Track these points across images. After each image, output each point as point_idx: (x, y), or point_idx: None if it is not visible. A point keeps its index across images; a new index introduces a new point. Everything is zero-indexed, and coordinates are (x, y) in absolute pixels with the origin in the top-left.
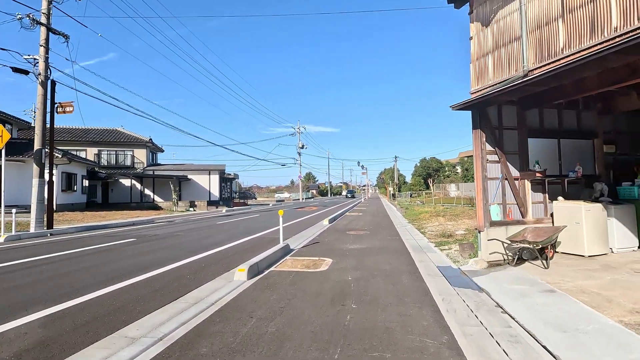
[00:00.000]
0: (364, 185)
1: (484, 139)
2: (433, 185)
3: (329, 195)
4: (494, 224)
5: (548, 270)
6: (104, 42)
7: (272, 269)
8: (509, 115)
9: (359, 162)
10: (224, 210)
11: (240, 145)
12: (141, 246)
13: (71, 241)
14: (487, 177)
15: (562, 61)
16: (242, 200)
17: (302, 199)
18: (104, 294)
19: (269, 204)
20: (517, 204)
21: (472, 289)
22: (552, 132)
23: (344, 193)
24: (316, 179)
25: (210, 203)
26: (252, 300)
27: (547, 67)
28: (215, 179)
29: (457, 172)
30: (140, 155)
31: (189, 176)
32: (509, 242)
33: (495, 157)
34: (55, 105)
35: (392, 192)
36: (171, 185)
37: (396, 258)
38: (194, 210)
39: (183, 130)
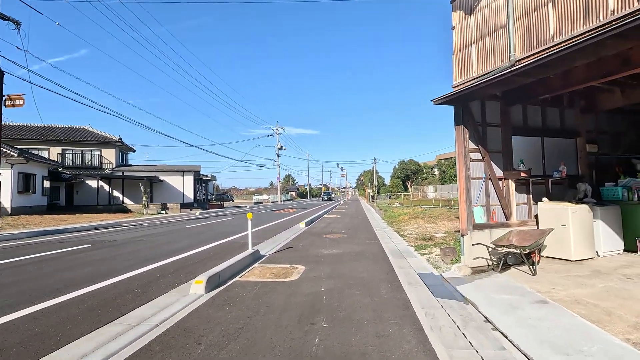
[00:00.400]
0: (344, 188)
1: (467, 136)
2: (411, 187)
3: (308, 197)
4: (477, 227)
5: (536, 277)
6: (77, 40)
7: (236, 279)
8: (493, 112)
9: (338, 164)
10: (197, 213)
11: (217, 146)
12: (93, 254)
13: (14, 249)
14: (470, 177)
15: (552, 49)
16: (219, 203)
17: (281, 201)
18: (24, 315)
19: (245, 206)
20: (501, 205)
21: (457, 300)
22: (536, 130)
23: (324, 197)
24: (296, 181)
25: (184, 205)
26: (206, 319)
27: (536, 55)
28: (189, 180)
29: (435, 175)
30: (109, 155)
31: (161, 177)
32: (494, 247)
33: (478, 156)
34: (4, 98)
35: (371, 194)
36: (141, 187)
37: (374, 264)
38: (166, 213)
39: (154, 129)
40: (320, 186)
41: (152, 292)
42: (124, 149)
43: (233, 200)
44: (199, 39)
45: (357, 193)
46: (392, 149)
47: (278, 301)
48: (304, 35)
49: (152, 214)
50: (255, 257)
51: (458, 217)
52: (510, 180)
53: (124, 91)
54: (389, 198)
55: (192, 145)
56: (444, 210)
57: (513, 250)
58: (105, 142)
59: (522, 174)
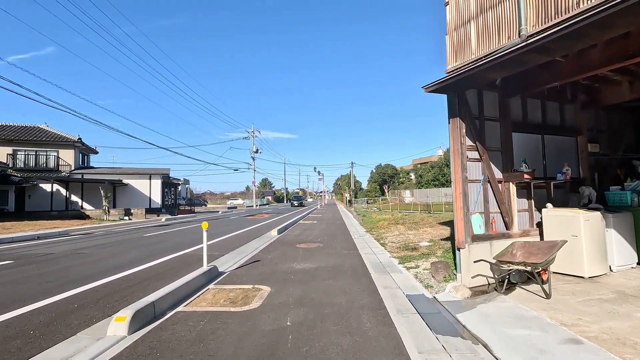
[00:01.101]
0: (321, 192)
1: (464, 131)
2: (388, 191)
3: (284, 201)
4: (476, 238)
5: (551, 302)
6: (42, 38)
7: (180, 308)
8: (490, 104)
9: (315, 168)
10: (163, 219)
11: (188, 148)
12: (7, 274)
13: None
14: (467, 179)
15: (577, 17)
16: (190, 208)
17: (256, 205)
18: None
19: (218, 212)
20: (501, 212)
21: (462, 338)
22: (536, 126)
23: (294, 202)
24: (272, 185)
25: (151, 211)
26: None
27: (556, 27)
28: (156, 184)
29: (411, 179)
30: (67, 156)
31: (126, 181)
32: (498, 264)
33: (475, 154)
34: None
35: (348, 198)
36: (101, 191)
37: (354, 283)
38: (129, 219)
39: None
40: (298, 190)
41: (55, 333)
42: (84, 150)
43: (206, 205)
44: (172, 41)
45: (334, 197)
46: (370, 153)
47: (226, 345)
48: (282, 34)
49: (114, 221)
50: (212, 275)
51: (441, 223)
52: (511, 184)
53: (94, 92)
54: (367, 202)
55: (159, 147)
56: (424, 216)
57: (522, 267)
58: (63, 143)
59: (526, 176)
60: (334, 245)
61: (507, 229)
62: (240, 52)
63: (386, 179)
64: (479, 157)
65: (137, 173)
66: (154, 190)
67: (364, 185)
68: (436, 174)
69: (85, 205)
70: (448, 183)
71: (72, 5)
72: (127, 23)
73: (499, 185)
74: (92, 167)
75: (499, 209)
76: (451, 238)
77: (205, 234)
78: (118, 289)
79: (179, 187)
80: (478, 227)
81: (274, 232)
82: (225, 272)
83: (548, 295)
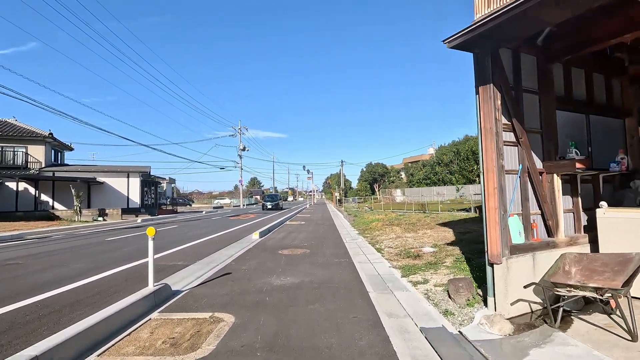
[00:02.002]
0: (311, 191)
1: (499, 102)
2: (379, 190)
3: None
4: (515, 249)
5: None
6: (25, 34)
7: (92, 357)
8: (528, 71)
9: (304, 167)
10: (139, 220)
11: (172, 145)
12: None
13: None
14: (504, 169)
15: None
16: (173, 208)
17: (243, 205)
18: None
19: (202, 212)
20: (543, 213)
21: None
22: (580, 103)
23: (266, 204)
24: (261, 184)
25: (128, 211)
26: None
27: None
28: (135, 182)
29: (402, 178)
30: (37, 153)
31: (102, 179)
32: (552, 287)
33: (510, 137)
34: None
35: (338, 197)
36: (72, 190)
37: (348, 308)
38: (104, 220)
39: (87, 123)
40: (287, 189)
41: None
42: (57, 147)
43: (191, 205)
44: (162, 40)
45: (324, 197)
46: (360, 152)
47: None
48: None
49: (85, 222)
50: (160, 298)
51: (441, 225)
52: (555, 176)
53: (79, 90)
54: (357, 202)
55: (138, 144)
56: (420, 216)
57: (591, 294)
58: (32, 138)
59: (579, 165)
60: (323, 251)
61: (550, 236)
62: (230, 51)
63: (377, 178)
64: (515, 141)
65: (114, 171)
66: (132, 189)
67: (354, 184)
68: (428, 173)
69: (57, 205)
70: (440, 182)
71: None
72: (111, 18)
73: (541, 177)
74: (67, 165)
75: (541, 209)
76: (459, 244)
77: (151, 244)
78: (17, 322)
79: (164, 186)
80: (517, 235)
81: (255, 235)
82: (181, 292)
83: (633, 335)
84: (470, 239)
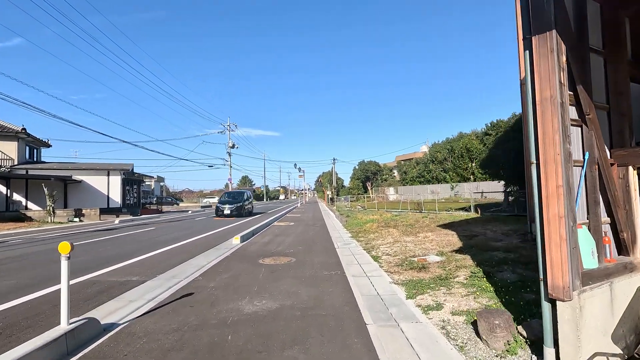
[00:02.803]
0: (302, 189)
1: (564, 59)
2: (372, 188)
3: (264, 199)
4: (587, 277)
5: None
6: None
7: None
8: (592, 25)
9: (295, 164)
10: (117, 221)
11: (158, 142)
12: None
13: None
14: (571, 158)
15: None
16: (157, 207)
17: None
18: None
19: (188, 211)
20: (616, 222)
21: None
22: None
23: (222, 207)
24: (253, 183)
25: (109, 211)
26: None
27: None
28: (116, 180)
29: (394, 176)
30: (9, 149)
31: (79, 177)
32: None
33: (572, 113)
34: None
35: (330, 196)
36: (44, 189)
37: (339, 353)
38: (80, 220)
39: (62, 118)
40: (279, 188)
41: None
42: (32, 143)
43: (178, 204)
44: (149, 35)
45: (316, 195)
46: (352, 149)
47: None
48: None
49: (59, 223)
50: (78, 340)
51: (442, 227)
52: (630, 169)
53: (68, 87)
54: (349, 200)
55: (122, 141)
56: (418, 216)
57: None
58: (4, 133)
59: None
60: (311, 259)
61: (624, 254)
62: (222, 50)
63: (369, 176)
64: (578, 119)
65: (92, 169)
66: (112, 188)
67: (346, 183)
68: (421, 171)
69: (31, 205)
70: (434, 180)
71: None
72: (96, 14)
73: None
74: (43, 162)
75: (612, 216)
76: (469, 251)
77: (65, 266)
78: None
79: (152, 185)
80: (589, 255)
81: (235, 240)
82: (117, 326)
83: None
84: (479, 245)
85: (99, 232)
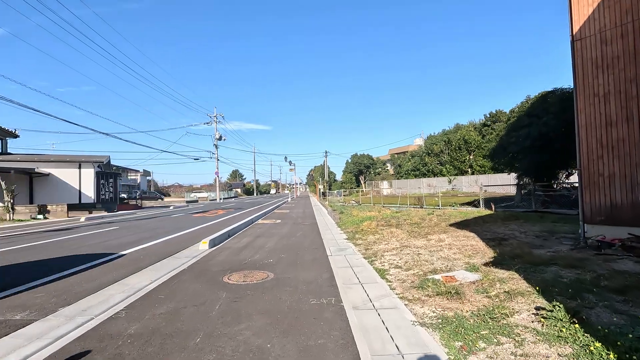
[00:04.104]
0: (294, 184)
1: None
2: (365, 182)
3: (254, 194)
4: None
5: None
6: None
7: None
8: None
9: (286, 157)
10: (82, 219)
11: (139, 134)
12: None
13: None
14: None
15: None
16: (137, 202)
17: (220, 199)
18: None
19: (170, 207)
20: None
21: None
22: None
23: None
24: (243, 177)
25: (80, 207)
26: None
27: None
28: (88, 173)
29: (388, 170)
30: None
31: (47, 170)
32: None
33: None
34: None
35: (322, 190)
36: (2, 183)
37: None
38: (44, 218)
39: (38, 110)
40: (270, 182)
41: None
42: None
43: (163, 199)
44: (137, 27)
45: (308, 189)
46: (345, 142)
47: None
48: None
49: (19, 221)
50: None
51: (455, 225)
52: None
53: (54, 79)
54: (342, 195)
55: (97, 132)
56: (421, 213)
57: None
58: None
59: None
60: (295, 275)
61: None
62: (212, 41)
63: (362, 170)
64: None
65: (62, 160)
66: (85, 182)
67: (339, 177)
68: (416, 164)
69: None
70: (429, 173)
71: None
72: (79, 4)
73: None
74: (9, 154)
75: None
76: (509, 264)
77: None
78: None
79: (137, 179)
80: None
81: (203, 245)
82: None
83: None
84: (519, 254)
85: (47, 234)
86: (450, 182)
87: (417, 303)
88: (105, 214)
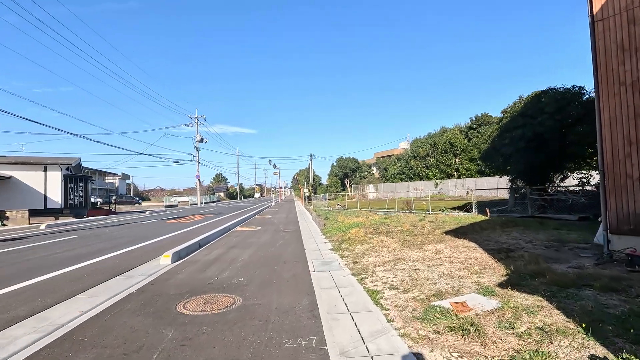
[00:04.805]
0: (279, 187)
1: None
2: (350, 186)
3: (238, 198)
4: None
5: None
6: None
7: None
8: None
9: (270, 160)
10: (42, 226)
11: (114, 135)
12: None
13: None
14: None
15: None
16: (110, 207)
17: (202, 203)
18: None
19: (146, 212)
20: None
21: None
22: None
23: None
24: (227, 181)
25: (45, 212)
26: None
27: None
28: (55, 177)
29: (373, 173)
30: None
31: (7, 172)
32: None
33: None
34: None
35: (307, 194)
36: None
37: None
38: (3, 224)
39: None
40: (255, 186)
41: None
42: None
43: (140, 203)
44: (125, 27)
45: (293, 193)
46: (330, 146)
47: None
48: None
49: None
50: None
51: (451, 233)
52: None
53: (31, 80)
54: (327, 199)
55: (65, 132)
56: (412, 218)
57: None
58: None
59: None
60: (267, 301)
61: None
62: (201, 41)
63: (348, 173)
64: None
65: (25, 163)
66: (51, 186)
67: (324, 180)
68: (402, 167)
69: None
70: (415, 177)
71: None
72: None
73: None
74: None
75: None
76: (525, 283)
77: None
78: None
79: (116, 183)
80: None
81: (164, 259)
82: None
83: None
84: (537, 271)
85: None
86: (436, 185)
87: (425, 344)
88: (73, 220)
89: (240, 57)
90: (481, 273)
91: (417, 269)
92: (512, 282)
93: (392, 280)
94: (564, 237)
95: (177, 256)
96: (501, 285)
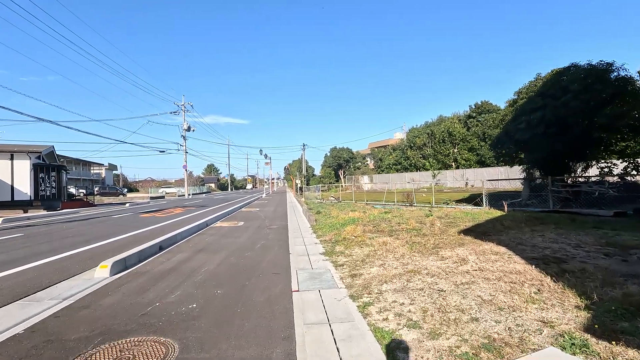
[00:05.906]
0: (271, 178)
1: None
2: (344, 177)
3: (229, 189)
4: None
5: None
6: None
7: None
8: None
9: (261, 151)
10: (0, 220)
11: (94, 122)
12: None
13: None
14: None
15: None
16: (88, 199)
17: (189, 194)
18: None
19: (126, 204)
20: None
21: None
22: None
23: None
24: (219, 172)
25: (11, 205)
26: None
27: None
28: (23, 166)
29: (367, 164)
30: None
31: None
32: None
33: None
34: None
35: (299, 185)
36: None
37: None
38: None
39: None
40: (247, 177)
41: None
42: None
43: (125, 195)
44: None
45: (285, 184)
46: (323, 136)
47: None
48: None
49: None
50: None
51: (468, 234)
52: None
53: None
54: (320, 190)
55: (39, 119)
56: (416, 213)
57: None
58: None
59: None
60: (221, 354)
61: None
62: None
63: (342, 164)
64: None
65: None
66: (19, 176)
67: (318, 171)
68: (398, 158)
69: None
70: (412, 167)
71: None
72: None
73: None
74: None
75: None
76: (621, 324)
77: None
78: None
79: (102, 173)
80: None
81: (100, 270)
82: None
83: None
84: (631, 300)
85: None
86: (434, 176)
87: None
88: (42, 213)
89: (233, 50)
90: (541, 302)
91: (442, 290)
92: (604, 323)
93: (409, 311)
94: (615, 239)
95: (120, 265)
96: (590, 330)
